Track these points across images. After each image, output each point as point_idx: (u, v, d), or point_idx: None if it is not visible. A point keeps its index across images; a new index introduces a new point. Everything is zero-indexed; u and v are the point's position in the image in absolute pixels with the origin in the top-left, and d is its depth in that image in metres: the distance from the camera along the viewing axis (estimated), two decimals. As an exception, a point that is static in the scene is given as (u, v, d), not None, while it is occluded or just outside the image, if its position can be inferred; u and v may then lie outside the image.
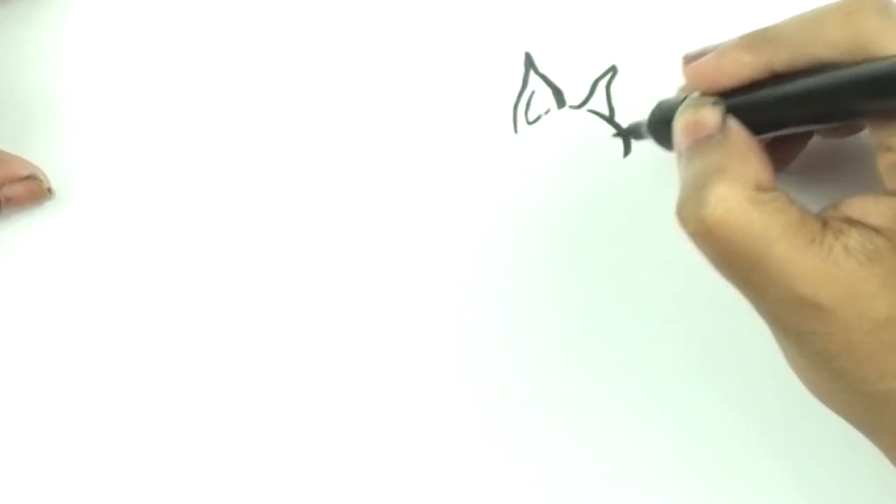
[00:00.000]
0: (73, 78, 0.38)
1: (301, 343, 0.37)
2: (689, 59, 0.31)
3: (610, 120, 0.37)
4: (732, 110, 0.29)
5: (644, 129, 0.34)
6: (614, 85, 0.37)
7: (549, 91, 0.37)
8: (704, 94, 0.30)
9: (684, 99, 0.30)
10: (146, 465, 0.37)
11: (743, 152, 0.28)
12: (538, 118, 0.37)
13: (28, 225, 0.37)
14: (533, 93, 0.37)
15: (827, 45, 0.27)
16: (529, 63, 0.37)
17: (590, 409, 0.36)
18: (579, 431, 0.36)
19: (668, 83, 0.37)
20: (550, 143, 0.37)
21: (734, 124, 0.29)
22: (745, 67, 0.29)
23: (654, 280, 0.36)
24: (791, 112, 0.28)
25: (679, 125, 0.30)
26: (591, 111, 0.37)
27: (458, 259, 0.37)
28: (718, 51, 0.30)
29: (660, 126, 0.32)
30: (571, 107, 0.37)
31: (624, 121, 0.37)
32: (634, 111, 0.37)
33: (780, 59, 0.28)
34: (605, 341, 0.36)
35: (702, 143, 0.29)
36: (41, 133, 0.38)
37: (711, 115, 0.29)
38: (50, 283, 0.37)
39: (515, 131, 0.37)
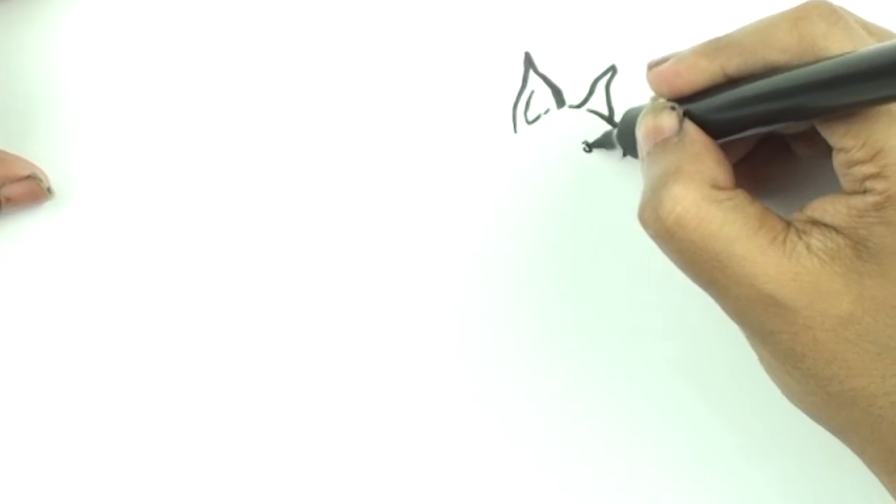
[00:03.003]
0: (73, 78, 0.38)
1: (298, 341, 0.37)
2: (652, 66, 0.31)
3: (609, 120, 0.37)
4: (693, 115, 0.30)
5: (614, 138, 0.35)
6: (614, 84, 0.37)
7: (548, 91, 0.37)
8: (667, 99, 0.31)
9: None
10: (146, 464, 0.37)
11: (698, 153, 0.29)
12: (538, 118, 0.37)
13: (28, 225, 0.37)
14: (532, 92, 0.37)
15: (778, 50, 0.28)
16: (529, 63, 0.37)
17: (586, 411, 0.37)
18: (574, 433, 0.36)
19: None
20: (550, 142, 0.37)
21: (690, 127, 0.30)
22: (701, 73, 0.30)
23: (654, 279, 0.36)
24: (745, 114, 0.29)
25: (640, 131, 0.31)
26: (590, 111, 0.37)
27: (456, 258, 0.37)
28: (677, 57, 0.31)
29: (628, 135, 0.33)
30: (571, 106, 0.37)
31: (623, 120, 0.37)
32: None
33: (733, 63, 0.29)
34: (603, 340, 0.37)
35: (660, 146, 0.30)
36: (41, 133, 0.38)
37: (668, 119, 0.30)
38: (50, 282, 0.37)
39: (515, 131, 0.37)
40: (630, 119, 0.33)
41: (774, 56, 0.28)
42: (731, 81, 0.29)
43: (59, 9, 0.38)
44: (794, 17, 0.28)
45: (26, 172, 0.36)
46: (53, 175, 0.37)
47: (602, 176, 0.37)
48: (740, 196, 0.28)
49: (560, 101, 0.37)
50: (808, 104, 0.27)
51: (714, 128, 0.30)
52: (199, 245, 0.37)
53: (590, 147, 0.37)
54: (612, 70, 0.37)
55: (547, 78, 0.37)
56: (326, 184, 0.37)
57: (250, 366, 0.37)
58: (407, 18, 0.38)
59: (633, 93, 0.37)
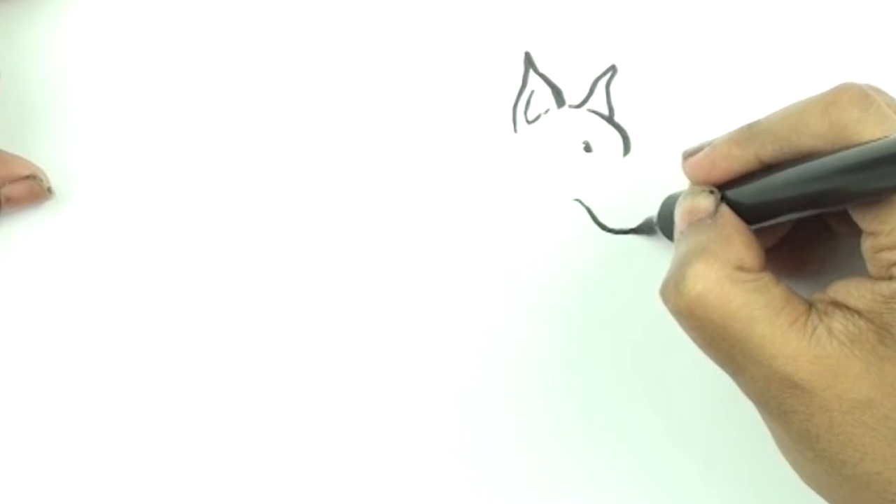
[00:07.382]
0: (73, 78, 0.38)
1: (297, 342, 0.37)
2: (687, 155, 0.32)
3: (609, 119, 0.37)
4: (730, 200, 0.30)
5: (654, 224, 0.35)
6: (614, 84, 0.37)
7: (548, 90, 0.37)
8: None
9: None
10: (146, 465, 0.37)
11: (728, 234, 0.29)
12: (538, 117, 0.37)
13: (28, 225, 0.37)
14: (532, 92, 0.37)
15: (810, 136, 0.28)
16: (529, 62, 0.37)
17: (585, 418, 0.37)
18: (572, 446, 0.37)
19: (668, 82, 0.37)
20: (550, 142, 0.37)
21: (725, 209, 0.30)
22: (736, 161, 0.30)
23: (655, 279, 0.36)
24: (779, 199, 0.29)
25: (678, 212, 0.31)
26: (590, 111, 0.37)
27: (455, 257, 0.37)
28: (711, 146, 0.31)
29: (668, 220, 0.33)
30: (571, 106, 0.37)
31: (623, 120, 0.37)
32: (634, 110, 0.37)
33: (767, 151, 0.29)
34: (602, 344, 0.37)
35: (693, 226, 0.30)
36: (41, 133, 0.38)
37: (705, 201, 0.30)
38: (50, 282, 0.37)
39: (515, 130, 0.37)
40: (670, 205, 0.33)
41: (807, 142, 0.28)
42: (767, 167, 0.29)
43: (59, 9, 0.38)
44: (825, 103, 0.28)
45: (26, 172, 0.36)
46: (53, 175, 0.37)
47: (602, 175, 0.37)
48: (765, 278, 0.28)
49: (560, 101, 0.37)
50: (838, 190, 0.27)
51: (750, 213, 0.30)
52: (200, 245, 0.37)
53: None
54: (612, 70, 0.37)
55: (547, 78, 0.37)
56: (327, 183, 0.37)
57: (250, 366, 0.37)
58: (407, 18, 0.38)
59: (633, 92, 0.37)
